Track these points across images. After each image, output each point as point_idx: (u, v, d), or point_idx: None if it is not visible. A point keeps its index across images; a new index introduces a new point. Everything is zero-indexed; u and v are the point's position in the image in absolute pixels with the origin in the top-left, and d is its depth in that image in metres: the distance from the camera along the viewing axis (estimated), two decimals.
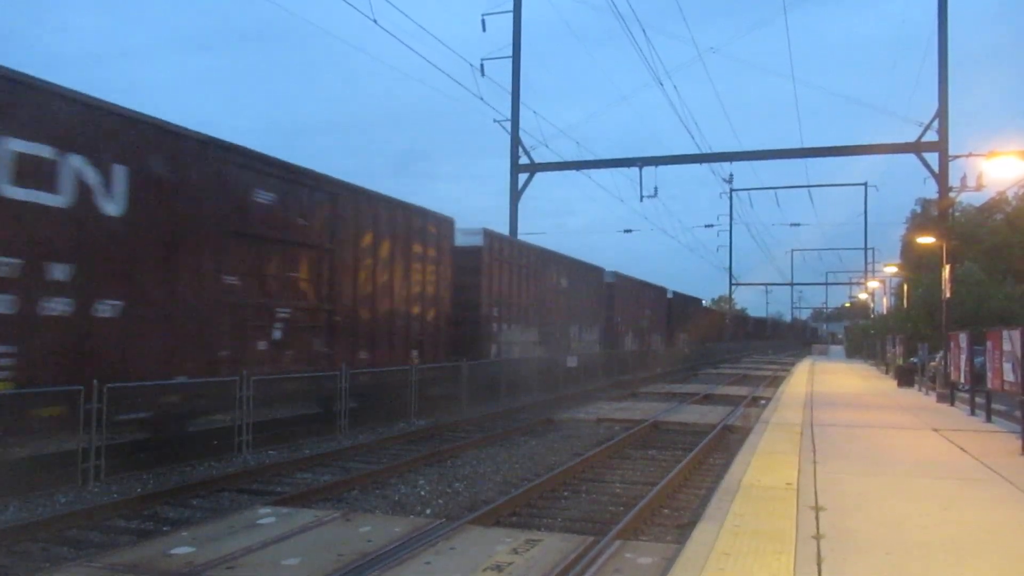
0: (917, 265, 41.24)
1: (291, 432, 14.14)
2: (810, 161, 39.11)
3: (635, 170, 31.04)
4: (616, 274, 34.27)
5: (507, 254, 22.68)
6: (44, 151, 9.44)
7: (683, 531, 7.51)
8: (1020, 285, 36.40)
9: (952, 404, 17.79)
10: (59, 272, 9.61)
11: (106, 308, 10.20)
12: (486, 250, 21.17)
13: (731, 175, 55.45)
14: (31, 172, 9.27)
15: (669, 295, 45.05)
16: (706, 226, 60.60)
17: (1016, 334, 11.29)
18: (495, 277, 21.63)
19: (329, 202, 14.84)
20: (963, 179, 20.88)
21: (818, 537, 5.75)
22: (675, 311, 46.04)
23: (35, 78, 9.42)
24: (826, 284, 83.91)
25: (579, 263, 29.57)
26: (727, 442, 14.30)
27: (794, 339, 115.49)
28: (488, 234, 21.46)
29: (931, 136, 27.37)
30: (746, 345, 76.41)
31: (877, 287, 55.88)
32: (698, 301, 56.98)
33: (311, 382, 14.24)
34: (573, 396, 23.41)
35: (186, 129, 11.63)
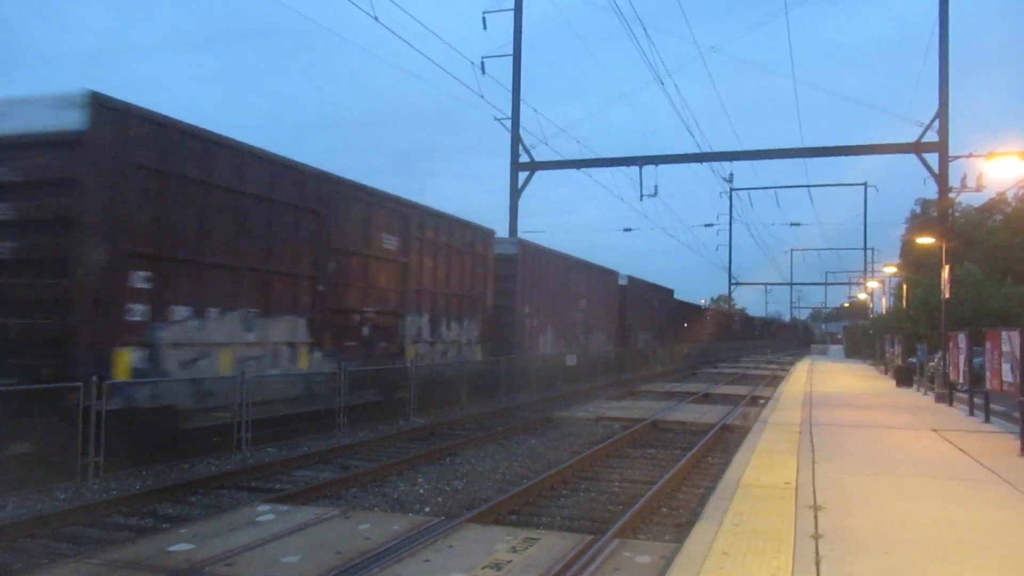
0: (916, 265, 41.27)
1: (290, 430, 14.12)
2: (810, 161, 39.21)
3: (635, 169, 31.10)
4: (523, 243, 23.56)
5: (199, 163, 11.22)
6: None
7: (682, 530, 7.52)
8: (1019, 286, 36.45)
9: (951, 404, 17.82)
10: None
11: None
12: (96, 130, 9.64)
13: (731, 174, 55.79)
14: None
15: (622, 281, 34.48)
16: (706, 225, 60.53)
17: (1015, 335, 11.31)
18: (147, 208, 10.47)
19: None
20: (963, 180, 20.99)
21: (817, 536, 5.75)
22: (631, 303, 35.38)
23: None
24: (825, 284, 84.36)
25: (436, 215, 18.54)
26: (726, 441, 14.30)
27: (788, 339, 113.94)
28: (98, 101, 9.64)
29: (931, 136, 27.42)
30: (736, 346, 70.52)
31: (876, 287, 56.04)
32: (668, 292, 44.79)
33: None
34: (568, 395, 23.42)
35: None
